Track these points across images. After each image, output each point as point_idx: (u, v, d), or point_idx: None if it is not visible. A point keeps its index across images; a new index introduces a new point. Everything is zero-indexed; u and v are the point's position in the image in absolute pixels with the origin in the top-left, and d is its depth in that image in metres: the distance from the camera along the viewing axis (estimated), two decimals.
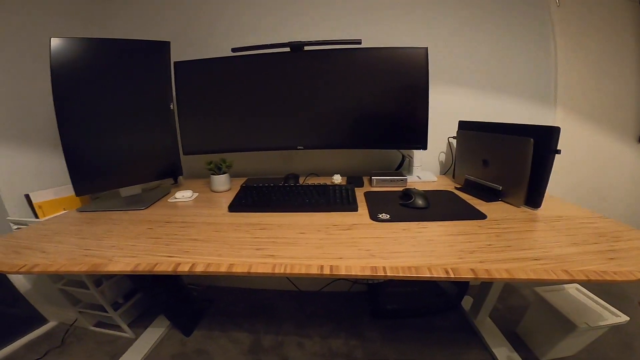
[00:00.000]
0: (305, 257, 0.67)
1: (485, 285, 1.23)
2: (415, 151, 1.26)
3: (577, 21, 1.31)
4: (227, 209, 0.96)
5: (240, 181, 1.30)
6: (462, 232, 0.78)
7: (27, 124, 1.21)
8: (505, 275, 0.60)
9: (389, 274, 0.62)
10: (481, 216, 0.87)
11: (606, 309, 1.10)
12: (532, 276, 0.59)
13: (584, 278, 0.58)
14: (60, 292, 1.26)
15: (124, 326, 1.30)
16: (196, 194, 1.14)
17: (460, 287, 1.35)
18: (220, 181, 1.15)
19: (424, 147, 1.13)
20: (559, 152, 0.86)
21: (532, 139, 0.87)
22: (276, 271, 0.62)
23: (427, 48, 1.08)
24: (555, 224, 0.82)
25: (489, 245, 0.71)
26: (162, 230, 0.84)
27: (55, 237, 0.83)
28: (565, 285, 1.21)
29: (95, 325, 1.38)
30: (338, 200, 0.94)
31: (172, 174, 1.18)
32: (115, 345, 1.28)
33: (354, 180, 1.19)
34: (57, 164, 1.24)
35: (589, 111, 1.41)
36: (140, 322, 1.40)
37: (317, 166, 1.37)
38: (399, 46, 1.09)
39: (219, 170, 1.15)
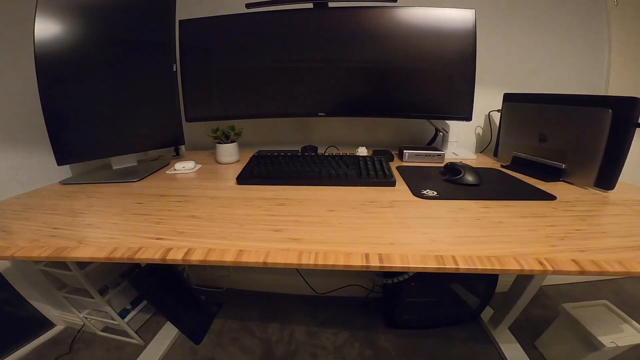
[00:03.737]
0: (342, 242, 0.46)
1: (511, 296, 1.05)
2: (451, 126, 1.03)
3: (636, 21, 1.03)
4: (234, 180, 0.75)
5: (250, 153, 1.07)
6: (535, 213, 0.57)
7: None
8: (618, 269, 0.41)
9: (461, 265, 0.41)
10: (550, 197, 0.65)
11: (634, 327, 0.96)
12: None
13: None
14: (65, 299, 1.12)
15: (133, 334, 1.17)
16: (199, 166, 0.92)
17: (484, 298, 1.16)
18: (228, 151, 0.93)
19: (469, 118, 0.90)
20: None
21: (610, 111, 0.67)
22: (303, 261, 0.42)
23: (474, 10, 0.84)
24: (639, 208, 0.61)
25: (578, 230, 0.51)
26: (153, 205, 0.63)
27: (25, 214, 0.63)
28: (594, 302, 1.07)
29: (103, 330, 1.22)
30: (371, 173, 0.73)
31: (173, 143, 0.97)
32: (124, 352, 1.15)
33: (382, 153, 0.97)
34: None
35: None
36: (149, 327, 1.27)
37: (336, 138, 1.15)
38: (441, 6, 0.85)
39: (226, 139, 0.94)
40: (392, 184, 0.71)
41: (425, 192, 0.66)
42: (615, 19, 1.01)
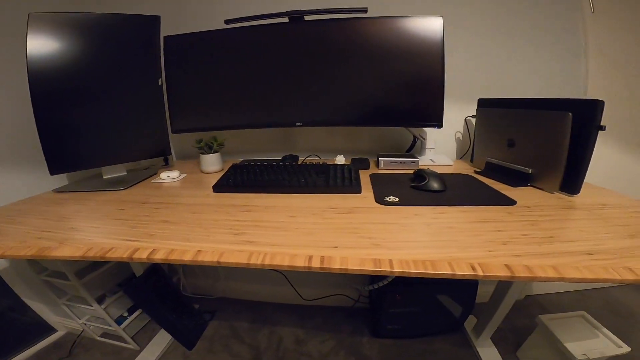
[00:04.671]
0: (292, 245, 0.51)
1: (491, 306, 1.08)
2: (428, 132, 1.07)
3: (612, 29, 1.07)
4: (212, 189, 0.81)
5: (235, 162, 1.14)
6: (488, 219, 0.61)
7: None
8: (552, 274, 0.44)
9: (396, 268, 0.46)
10: (510, 202, 0.69)
11: (609, 338, 0.96)
12: (588, 275, 0.43)
13: None
14: (65, 306, 1.21)
15: (129, 340, 1.24)
16: (184, 175, 0.99)
17: (465, 307, 1.18)
18: (211, 161, 1.00)
19: (439, 125, 0.95)
20: (603, 128, 0.68)
21: (570, 114, 0.70)
22: (252, 261, 0.47)
23: (442, 18, 0.90)
24: (600, 212, 0.64)
25: (525, 235, 0.54)
26: (133, 211, 0.70)
27: (18, 218, 0.71)
28: (572, 313, 1.07)
29: (102, 336, 1.30)
30: (339, 181, 0.78)
31: (160, 154, 1.04)
32: (121, 357, 1.22)
33: (360, 161, 1.02)
34: None
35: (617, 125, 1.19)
36: (145, 333, 1.33)
37: (319, 147, 1.21)
38: (409, 15, 0.91)
39: (209, 149, 1.01)
40: (358, 191, 0.76)
41: (387, 198, 0.71)
42: (591, 27, 1.04)
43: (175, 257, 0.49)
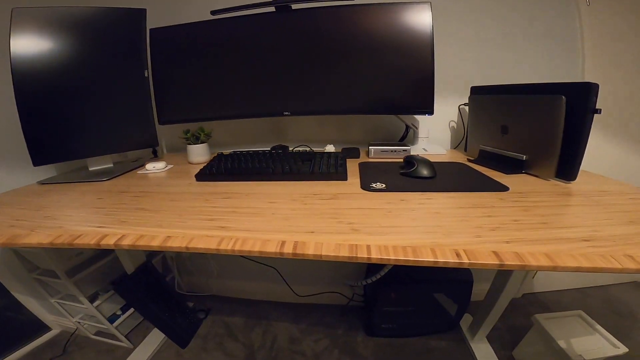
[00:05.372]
0: (266, 230, 0.49)
1: (487, 304, 1.05)
2: (421, 121, 1.04)
3: (609, 23, 1.02)
4: (195, 178, 0.79)
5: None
6: (478, 204, 0.58)
7: None
8: (544, 262, 0.40)
9: (373, 255, 0.43)
10: (502, 188, 0.66)
11: (606, 338, 0.93)
12: (584, 263, 0.39)
13: None
14: (57, 305, 1.22)
15: (122, 338, 1.24)
16: (170, 166, 0.98)
17: (460, 305, 1.15)
18: (197, 151, 0.98)
19: (430, 112, 0.91)
20: (598, 111, 0.65)
21: (563, 97, 0.66)
22: (222, 247, 0.45)
23: (429, 3, 0.86)
24: (599, 198, 0.61)
25: (516, 221, 0.51)
26: (111, 200, 0.68)
27: None
28: (568, 312, 1.04)
29: (96, 334, 1.30)
30: (324, 168, 0.76)
31: (147, 145, 1.03)
32: (114, 355, 1.22)
33: (350, 151, 0.99)
34: None
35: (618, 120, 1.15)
36: (138, 331, 1.34)
37: (310, 138, 1.18)
38: (396, 1, 0.88)
39: (196, 140, 0.99)
40: (343, 178, 0.73)
41: (373, 185, 0.68)
42: (587, 20, 1.00)
43: (143, 242, 0.47)
